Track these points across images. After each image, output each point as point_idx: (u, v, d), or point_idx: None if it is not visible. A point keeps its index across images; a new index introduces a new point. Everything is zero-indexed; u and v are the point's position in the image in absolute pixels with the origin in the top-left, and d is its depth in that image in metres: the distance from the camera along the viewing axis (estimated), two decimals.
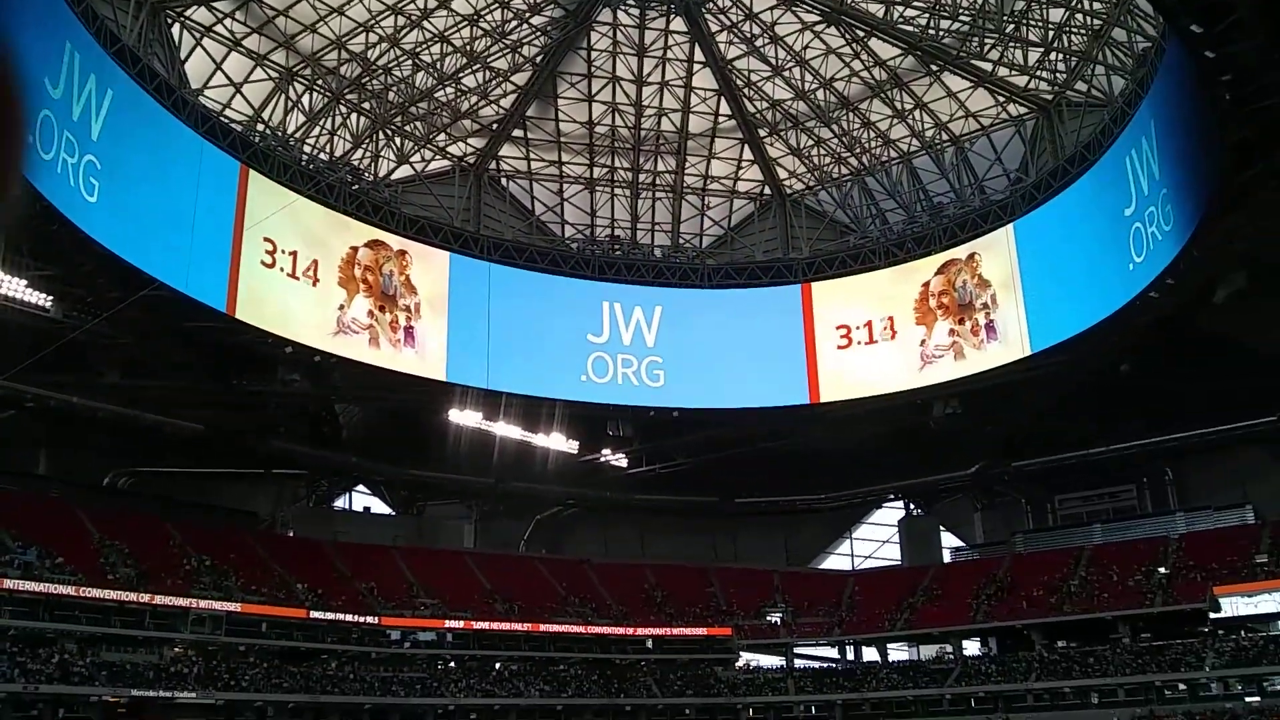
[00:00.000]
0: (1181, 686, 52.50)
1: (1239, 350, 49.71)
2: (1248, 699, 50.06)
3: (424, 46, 53.99)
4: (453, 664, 58.44)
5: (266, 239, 50.73)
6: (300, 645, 53.81)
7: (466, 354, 57.83)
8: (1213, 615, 53.36)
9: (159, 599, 49.56)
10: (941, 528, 75.24)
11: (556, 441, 60.91)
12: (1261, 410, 55.70)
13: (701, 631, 64.07)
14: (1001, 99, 55.11)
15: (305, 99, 54.23)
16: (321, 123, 55.31)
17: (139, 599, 48.92)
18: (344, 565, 61.13)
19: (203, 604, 50.88)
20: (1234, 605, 53.42)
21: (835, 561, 79.07)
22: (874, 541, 78.60)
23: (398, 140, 58.59)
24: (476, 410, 57.47)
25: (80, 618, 46.97)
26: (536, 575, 66.81)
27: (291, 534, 65.29)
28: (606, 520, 74.69)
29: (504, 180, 64.16)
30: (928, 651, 64.45)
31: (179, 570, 52.97)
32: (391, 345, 56.02)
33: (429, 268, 58.13)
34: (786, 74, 56.74)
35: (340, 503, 71.49)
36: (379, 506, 72.85)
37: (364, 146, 57.36)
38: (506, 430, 59.02)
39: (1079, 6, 47.43)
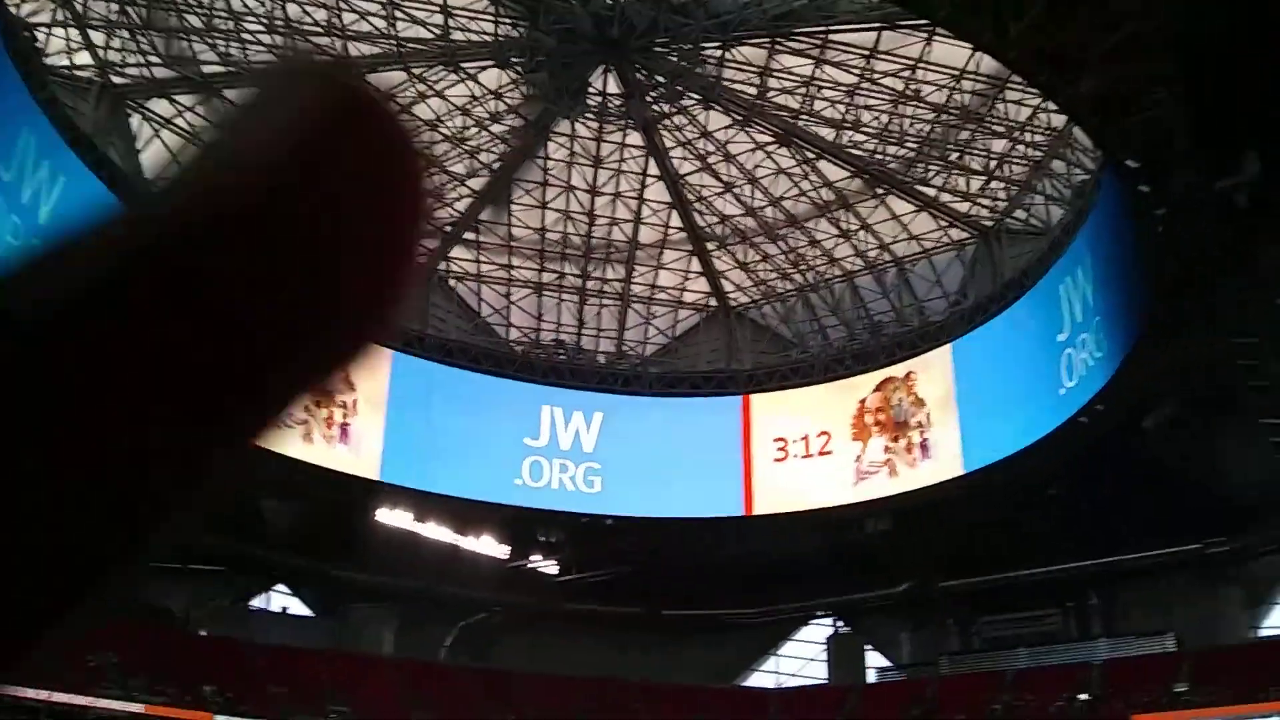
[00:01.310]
0: None
1: (1168, 476, 50.99)
2: None
3: None
4: None
5: None
6: None
7: (402, 453, 56.83)
8: None
9: (57, 696, 46.79)
10: (867, 646, 74.70)
11: (487, 545, 59.88)
12: (1188, 537, 56.84)
13: None
14: (944, 223, 57.08)
15: None
16: None
17: (35, 696, 46.09)
18: (257, 668, 58.46)
19: (103, 703, 48.34)
20: None
21: (760, 679, 77.81)
22: (800, 659, 77.69)
23: None
24: (408, 510, 56.32)
25: None
26: (458, 685, 64.44)
27: (205, 633, 62.42)
28: (534, 629, 72.73)
29: (452, 281, 64.14)
30: None
31: (82, 667, 50.18)
32: (325, 441, 54.86)
33: (369, 365, 57.20)
34: (737, 191, 58.23)
35: (258, 601, 68.73)
36: (298, 607, 70.20)
37: None
38: (437, 532, 57.86)
39: (1020, 139, 49.75)
